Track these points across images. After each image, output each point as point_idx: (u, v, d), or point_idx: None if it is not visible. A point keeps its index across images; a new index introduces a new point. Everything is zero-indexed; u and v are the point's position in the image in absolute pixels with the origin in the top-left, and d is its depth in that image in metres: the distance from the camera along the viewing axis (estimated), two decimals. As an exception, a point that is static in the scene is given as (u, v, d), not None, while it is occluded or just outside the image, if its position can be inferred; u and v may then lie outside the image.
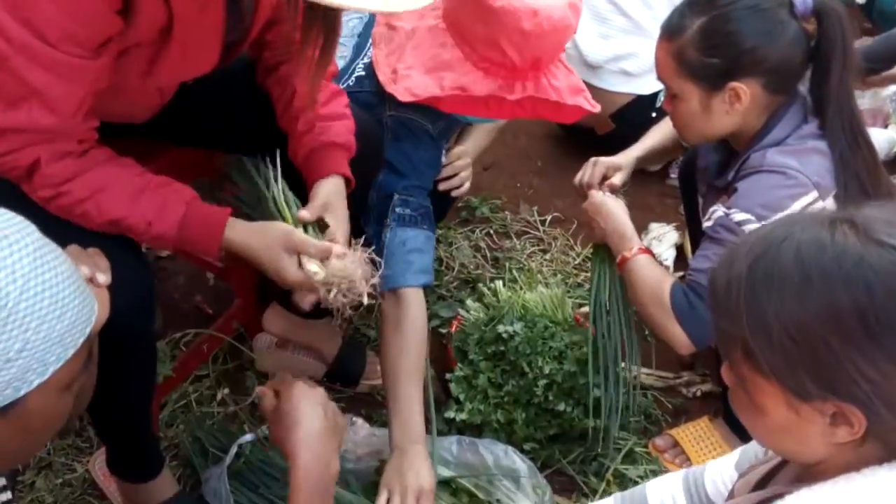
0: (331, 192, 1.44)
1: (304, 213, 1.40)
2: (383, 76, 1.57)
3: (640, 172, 2.41)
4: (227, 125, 1.56)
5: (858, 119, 1.59)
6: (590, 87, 2.41)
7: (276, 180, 1.45)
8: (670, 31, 1.59)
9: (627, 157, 1.89)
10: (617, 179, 1.83)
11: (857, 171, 1.54)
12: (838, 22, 1.52)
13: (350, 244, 1.39)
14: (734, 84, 1.54)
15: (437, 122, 1.72)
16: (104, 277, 1.03)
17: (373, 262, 1.38)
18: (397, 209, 1.66)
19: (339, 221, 1.42)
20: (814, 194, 1.51)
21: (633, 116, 2.41)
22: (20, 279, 0.81)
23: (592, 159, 1.86)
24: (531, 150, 2.73)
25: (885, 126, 2.82)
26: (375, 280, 1.36)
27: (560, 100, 1.56)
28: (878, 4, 3.24)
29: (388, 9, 1.06)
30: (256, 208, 1.49)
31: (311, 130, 1.47)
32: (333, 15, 1.30)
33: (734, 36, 1.52)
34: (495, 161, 2.63)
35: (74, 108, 1.19)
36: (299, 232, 1.36)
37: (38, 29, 1.11)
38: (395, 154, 1.68)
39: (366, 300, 1.34)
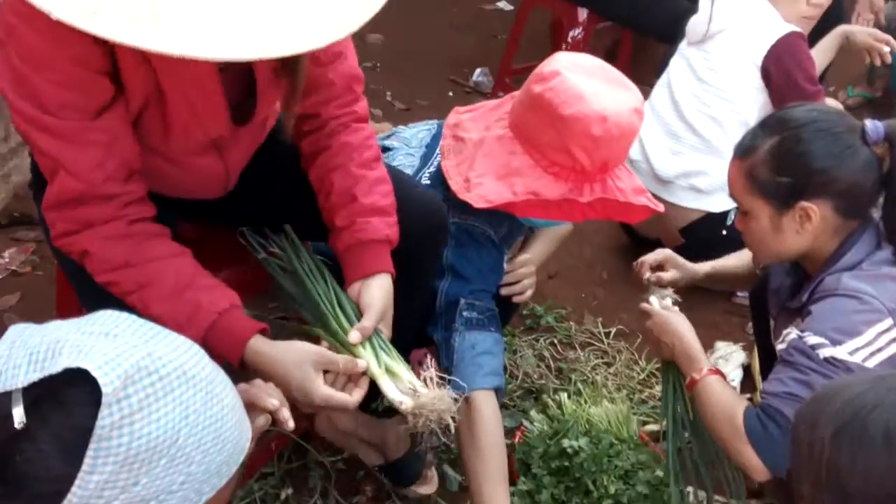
0: (381, 297, 1.45)
1: (356, 336, 1.40)
2: (456, 185, 1.62)
3: (705, 290, 2.43)
4: (292, 210, 1.59)
5: None
6: (660, 201, 2.46)
7: (327, 283, 1.48)
8: (743, 150, 1.63)
9: (692, 266, 1.90)
10: (668, 275, 1.83)
11: None
12: None
13: (424, 363, 1.40)
14: (804, 203, 1.55)
15: (499, 229, 1.76)
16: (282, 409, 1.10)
17: (442, 378, 1.38)
18: (464, 313, 1.68)
19: (388, 325, 1.45)
20: (889, 321, 1.49)
21: (702, 233, 2.43)
22: (192, 415, 0.84)
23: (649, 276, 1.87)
24: (597, 261, 2.75)
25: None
26: (456, 408, 1.36)
27: (627, 200, 1.61)
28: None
29: (269, 54, 1.04)
30: (309, 311, 1.50)
31: (352, 226, 1.49)
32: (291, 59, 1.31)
33: (804, 156, 1.55)
34: (560, 270, 2.65)
35: (93, 167, 1.25)
36: (326, 351, 1.37)
37: (39, 101, 1.20)
38: (458, 259, 1.71)
39: (452, 427, 1.35)
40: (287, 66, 1.33)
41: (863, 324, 1.49)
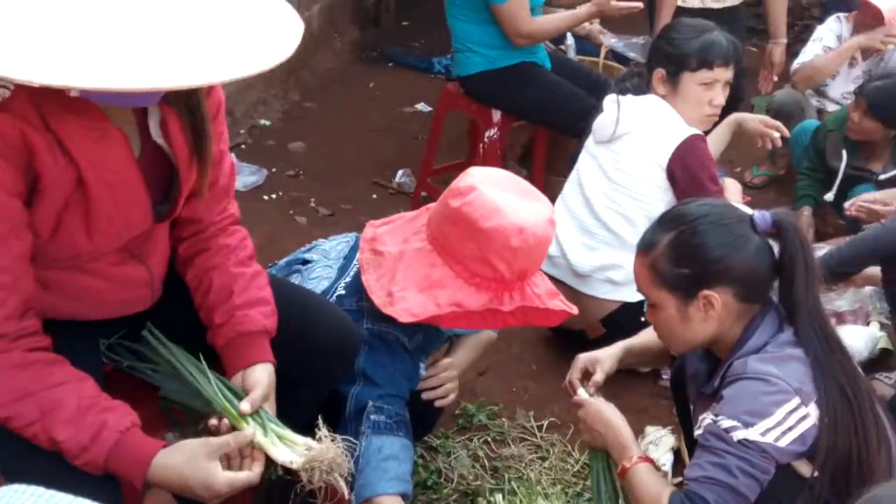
0: (266, 378, 1.52)
1: (246, 407, 1.47)
2: (378, 299, 1.66)
3: (631, 374, 2.50)
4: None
5: (828, 325, 1.69)
6: (579, 293, 2.56)
7: (206, 376, 1.52)
8: (645, 246, 1.73)
9: (607, 352, 1.96)
10: (598, 376, 1.89)
11: (833, 375, 1.61)
12: (796, 235, 1.65)
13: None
14: (706, 292, 1.65)
15: (413, 337, 1.80)
16: None
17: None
18: (372, 416, 1.71)
19: (272, 407, 1.52)
20: (796, 400, 1.57)
21: (621, 322, 2.50)
22: None
23: (577, 358, 1.94)
24: (525, 355, 2.79)
25: (867, 323, 2.90)
26: (350, 466, 1.42)
27: (545, 306, 1.69)
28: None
29: (185, 83, 1.13)
30: (193, 402, 1.54)
31: (230, 320, 1.55)
32: (194, 111, 1.41)
33: (700, 248, 1.65)
34: (491, 366, 2.69)
35: None
36: (212, 438, 1.41)
37: None
38: (369, 364, 1.74)
39: (346, 493, 1.38)
40: (199, 149, 1.43)
41: (772, 405, 1.57)
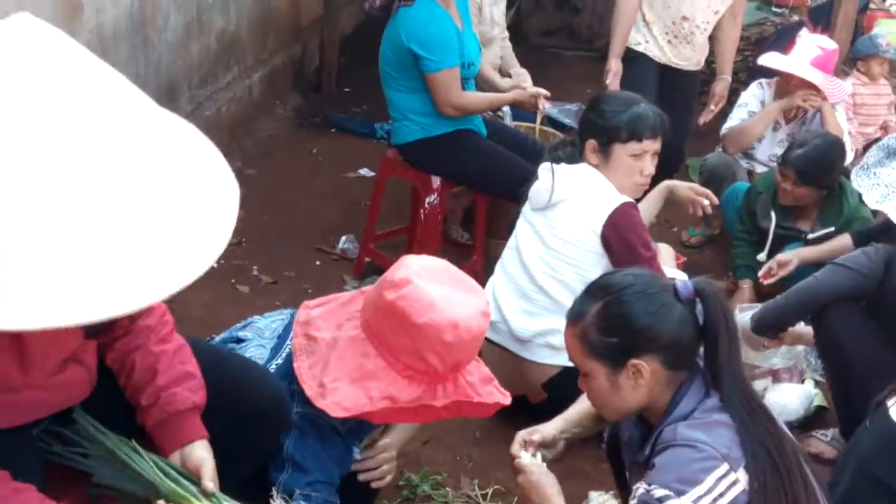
0: (209, 456, 1.53)
1: (211, 486, 1.47)
2: (310, 390, 1.65)
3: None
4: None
5: (752, 389, 1.74)
6: (521, 359, 2.58)
7: (145, 459, 1.51)
8: (574, 316, 1.76)
9: (555, 425, 1.97)
10: (536, 437, 1.90)
11: (760, 439, 1.64)
12: (717, 302, 1.70)
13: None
14: (634, 361, 1.68)
15: (346, 421, 1.77)
16: None
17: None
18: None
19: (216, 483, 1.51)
20: (725, 466, 1.60)
21: (563, 386, 2.51)
22: None
23: (518, 435, 1.92)
24: (468, 422, 2.78)
25: (802, 381, 2.97)
26: None
27: (479, 396, 1.69)
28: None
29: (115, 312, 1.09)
30: (130, 487, 1.52)
31: (157, 401, 1.55)
32: None
33: (627, 317, 1.69)
34: (434, 434, 2.67)
35: None
36: None
37: None
38: (299, 450, 1.73)
39: None
40: None
41: (701, 472, 1.59)
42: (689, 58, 4.02)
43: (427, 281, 1.66)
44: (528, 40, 7.29)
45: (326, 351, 1.67)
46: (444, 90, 3.18)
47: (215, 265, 3.75)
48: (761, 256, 3.63)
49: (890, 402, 2.03)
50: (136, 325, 1.59)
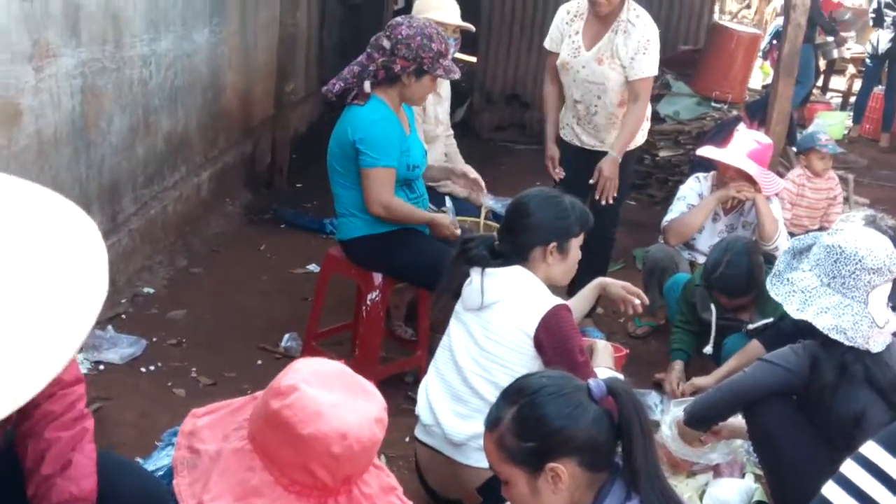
0: None
1: None
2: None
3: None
4: None
5: (671, 490, 1.72)
6: (455, 462, 2.53)
7: None
8: (491, 423, 1.75)
9: None
10: None
11: None
12: (631, 402, 1.70)
13: None
14: (552, 465, 1.67)
15: None
16: None
17: None
18: None
19: None
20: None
21: (497, 489, 2.43)
22: None
23: None
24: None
25: (742, 475, 2.95)
26: None
27: None
28: (725, 353, 3.59)
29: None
30: None
31: (39, 492, 1.53)
32: None
33: (541, 420, 1.68)
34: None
35: None
36: None
37: None
38: None
39: None
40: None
41: (631, 575, 1.56)
42: (599, 138, 4.16)
43: (317, 387, 1.54)
44: (480, 135, 7.50)
45: (209, 465, 1.55)
46: (376, 187, 3.23)
47: (152, 367, 3.72)
48: (707, 350, 3.66)
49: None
50: (39, 410, 1.56)
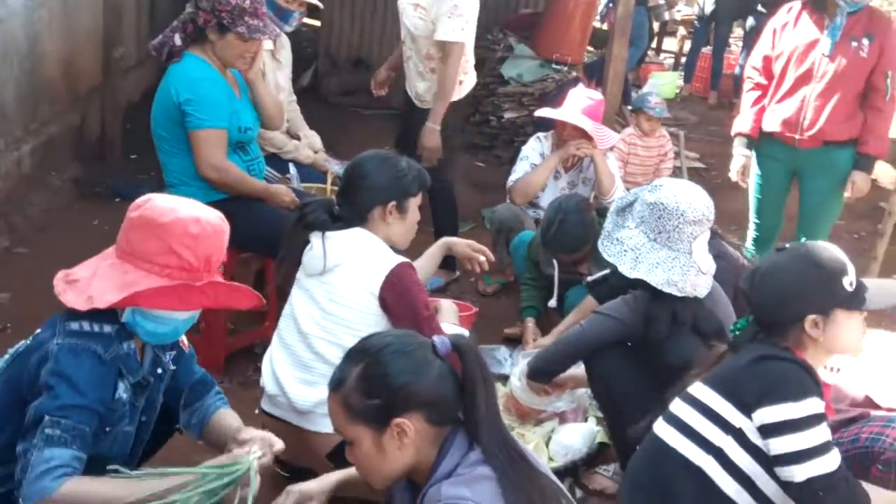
0: None
1: None
2: (79, 305, 1.84)
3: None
4: None
5: (511, 438, 1.78)
6: (303, 431, 2.50)
7: None
8: (335, 383, 1.75)
9: (322, 484, 1.94)
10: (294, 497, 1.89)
11: (521, 486, 1.67)
12: (474, 356, 1.75)
13: None
14: (397, 420, 1.68)
15: (109, 347, 1.90)
16: None
17: None
18: (47, 430, 1.79)
19: None
20: (488, 519, 1.60)
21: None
22: None
23: (288, 488, 1.94)
24: (259, 497, 2.66)
25: (586, 420, 3.09)
26: None
27: (232, 283, 2.01)
28: (567, 305, 3.72)
29: None
30: None
31: None
32: None
33: (386, 377, 1.70)
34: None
35: None
36: None
37: None
38: (53, 377, 1.82)
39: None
40: None
41: (467, 526, 1.59)
42: (410, 87, 4.32)
43: (166, 198, 1.97)
44: (328, 100, 7.36)
45: (88, 280, 1.88)
46: (206, 150, 3.12)
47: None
48: (552, 303, 3.78)
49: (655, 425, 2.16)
50: None
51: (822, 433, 1.99)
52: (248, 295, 2.07)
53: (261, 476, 1.95)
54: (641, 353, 2.61)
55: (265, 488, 2.64)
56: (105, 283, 1.85)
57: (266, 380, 2.59)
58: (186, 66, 3.17)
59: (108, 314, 1.90)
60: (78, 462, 1.80)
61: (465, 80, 4.28)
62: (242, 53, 3.26)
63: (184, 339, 2.22)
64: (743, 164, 4.03)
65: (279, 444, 2.01)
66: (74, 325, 1.87)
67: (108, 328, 1.89)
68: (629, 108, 5.96)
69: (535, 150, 4.27)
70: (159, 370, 2.12)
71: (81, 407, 1.82)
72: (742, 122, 4.03)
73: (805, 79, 3.78)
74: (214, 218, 1.97)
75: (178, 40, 3.17)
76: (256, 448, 1.94)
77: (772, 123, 3.92)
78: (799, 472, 1.97)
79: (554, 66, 6.46)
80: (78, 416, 1.81)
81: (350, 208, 2.59)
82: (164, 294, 1.86)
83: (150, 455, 2.25)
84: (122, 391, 1.96)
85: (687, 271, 2.54)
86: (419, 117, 4.17)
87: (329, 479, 1.99)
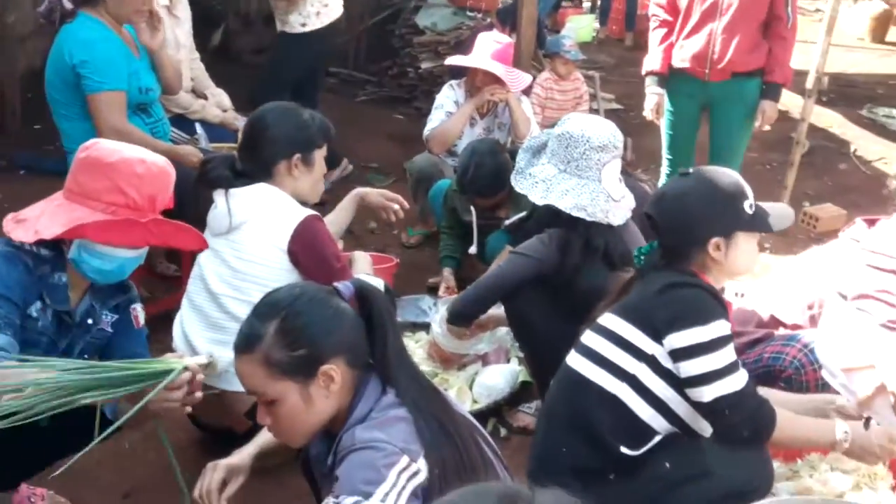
0: None
1: None
2: (26, 238, 1.92)
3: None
4: None
5: (422, 375, 1.80)
6: (222, 391, 2.45)
7: None
8: (247, 343, 1.70)
9: (243, 457, 1.91)
10: (232, 488, 1.85)
11: (435, 418, 1.69)
12: (378, 298, 1.75)
13: None
14: (324, 367, 1.67)
15: (38, 265, 1.99)
16: None
17: None
18: None
19: None
20: (405, 459, 1.62)
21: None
22: None
23: (211, 464, 1.89)
24: (176, 456, 2.62)
25: (508, 360, 3.12)
26: None
27: (176, 222, 2.06)
28: (489, 251, 3.73)
29: None
30: None
31: None
32: None
33: (307, 327, 1.68)
34: (133, 488, 2.51)
35: None
36: None
37: None
38: None
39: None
40: None
41: (384, 468, 1.60)
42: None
43: (111, 143, 2.06)
44: (241, 59, 7.15)
45: (36, 217, 1.95)
46: (106, 113, 3.01)
47: None
48: (472, 250, 3.79)
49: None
50: None
51: (728, 354, 2.04)
52: (192, 235, 2.12)
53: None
54: (559, 288, 2.64)
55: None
56: (52, 220, 1.93)
57: (177, 343, 2.54)
58: (80, 26, 3.06)
59: (51, 245, 1.99)
60: (11, 347, 1.88)
61: (323, 12, 4.65)
62: (139, 7, 3.14)
63: (139, 315, 2.22)
64: (656, 102, 4.06)
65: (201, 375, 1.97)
66: (16, 242, 1.97)
67: (45, 252, 1.99)
68: (544, 52, 5.95)
69: (448, 97, 4.23)
70: (90, 321, 2.10)
71: (7, 298, 1.92)
72: (652, 61, 4.06)
73: (711, 13, 3.82)
74: (160, 160, 2.05)
75: (66, 3, 3.04)
76: (191, 362, 1.95)
77: (681, 59, 3.95)
78: (708, 392, 2.03)
79: (468, 13, 6.40)
80: (7, 308, 1.91)
81: (253, 163, 2.52)
82: (110, 228, 1.93)
83: None
84: (35, 311, 2.00)
85: (596, 197, 2.58)
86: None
87: (247, 451, 1.95)
